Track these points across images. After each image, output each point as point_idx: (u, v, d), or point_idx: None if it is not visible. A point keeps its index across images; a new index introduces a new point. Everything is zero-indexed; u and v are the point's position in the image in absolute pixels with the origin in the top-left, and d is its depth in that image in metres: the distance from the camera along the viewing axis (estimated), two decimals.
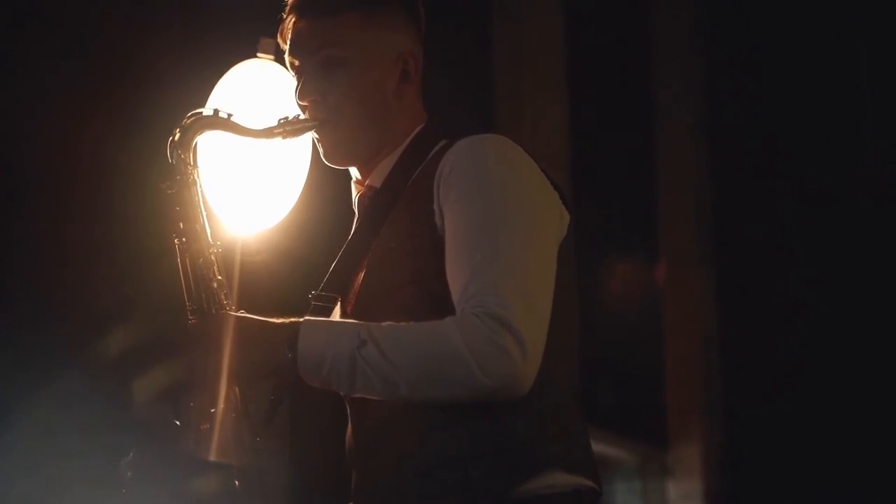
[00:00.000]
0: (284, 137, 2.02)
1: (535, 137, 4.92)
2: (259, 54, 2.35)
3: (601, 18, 5.73)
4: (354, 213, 2.11)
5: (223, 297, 1.96)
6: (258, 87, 2.33)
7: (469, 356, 1.76)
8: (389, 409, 1.88)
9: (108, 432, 2.53)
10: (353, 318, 1.93)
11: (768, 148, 5.88)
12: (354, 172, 2.10)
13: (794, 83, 5.90)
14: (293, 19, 2.05)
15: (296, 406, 2.01)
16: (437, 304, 1.84)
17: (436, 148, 2.00)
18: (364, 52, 2.02)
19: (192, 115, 1.98)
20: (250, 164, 2.29)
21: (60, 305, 3.03)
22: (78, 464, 2.74)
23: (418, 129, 2.06)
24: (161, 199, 1.97)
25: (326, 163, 2.08)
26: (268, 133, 2.02)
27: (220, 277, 1.96)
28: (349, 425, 2.02)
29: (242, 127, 2.01)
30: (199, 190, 1.98)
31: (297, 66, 2.05)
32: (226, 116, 1.99)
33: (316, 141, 2.06)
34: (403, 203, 1.98)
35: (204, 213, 1.98)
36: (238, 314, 1.89)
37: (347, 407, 2.01)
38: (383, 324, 1.83)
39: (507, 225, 1.85)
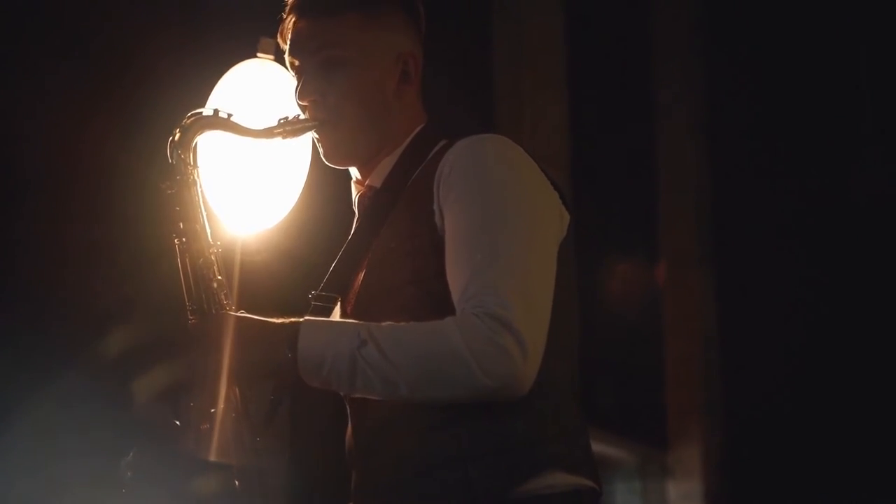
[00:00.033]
0: (284, 137, 2.02)
1: (535, 137, 4.92)
2: (259, 54, 2.35)
3: (601, 18, 5.73)
4: (354, 213, 2.11)
5: (223, 297, 1.96)
6: (258, 87, 2.33)
7: (469, 356, 1.76)
8: (389, 409, 1.88)
9: (108, 432, 2.53)
10: (353, 318, 1.93)
11: (768, 148, 5.88)
12: (354, 172, 2.10)
13: (794, 83, 5.90)
14: (293, 19, 2.06)
15: (296, 406, 2.01)
16: (437, 304, 1.85)
17: (436, 148, 2.00)
18: (364, 52, 2.02)
19: (192, 115, 1.99)
20: (250, 165, 2.29)
21: (60, 305, 3.03)
22: (78, 464, 2.74)
23: (418, 129, 2.06)
24: (161, 199, 1.97)
25: (326, 163, 2.08)
26: (268, 133, 2.02)
27: (220, 277, 1.96)
28: (349, 425, 2.02)
29: (242, 127, 2.01)
30: (199, 190, 1.98)
31: (297, 66, 2.05)
32: (226, 116, 1.99)
33: (316, 141, 2.06)
34: (403, 203, 1.98)
35: (204, 213, 1.98)
36: (238, 314, 1.90)
37: (347, 407, 2.01)
38: (383, 324, 1.83)
39: (507, 225, 1.86)
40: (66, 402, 2.84)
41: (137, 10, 3.23)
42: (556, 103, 5.24)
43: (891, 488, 5.37)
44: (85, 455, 2.72)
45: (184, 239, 1.96)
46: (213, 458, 1.86)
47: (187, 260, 1.95)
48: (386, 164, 2.05)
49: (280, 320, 1.86)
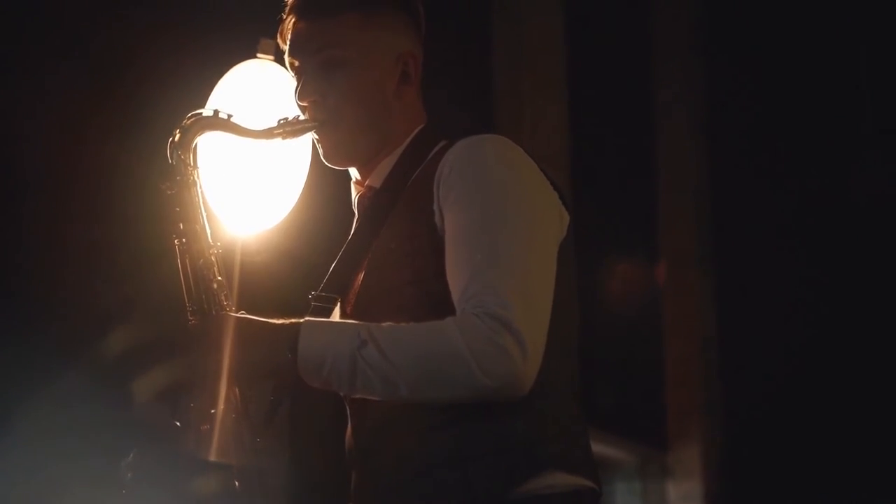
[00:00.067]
0: (284, 138, 2.02)
1: (535, 137, 4.91)
2: (259, 55, 2.35)
3: (601, 18, 5.72)
4: (354, 213, 2.11)
5: (223, 297, 1.95)
6: (258, 88, 2.33)
7: (469, 356, 1.76)
8: (389, 409, 1.88)
9: (108, 433, 2.53)
10: (353, 319, 1.93)
11: (768, 148, 5.88)
12: (354, 173, 2.10)
13: (794, 83, 5.90)
14: (293, 20, 2.06)
15: (296, 407, 2.01)
16: (437, 304, 1.85)
17: (435, 148, 2.00)
18: (364, 52, 2.02)
19: (192, 116, 1.98)
20: (250, 165, 2.30)
21: (60, 305, 3.03)
22: (78, 464, 2.74)
23: (418, 129, 2.06)
24: (161, 199, 1.97)
25: (326, 163, 2.08)
26: (268, 134, 2.02)
27: (220, 278, 1.96)
28: (349, 426, 2.02)
29: (242, 128, 2.00)
30: (199, 191, 1.98)
31: (297, 67, 2.05)
32: (226, 117, 1.99)
33: (316, 142, 2.06)
34: (403, 204, 1.98)
35: (204, 214, 1.98)
36: (238, 315, 1.90)
37: (347, 407, 2.01)
38: (383, 324, 1.83)
39: (507, 225, 1.86)
40: (66, 402, 2.84)
41: (137, 10, 3.23)
42: (556, 103, 5.23)
43: (891, 488, 5.36)
44: (85, 455, 2.72)
45: (184, 240, 1.96)
46: (213, 458, 1.86)
47: (187, 261, 1.95)
48: (386, 165, 2.05)
49: (280, 321, 1.86)
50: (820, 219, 5.78)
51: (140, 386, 1.95)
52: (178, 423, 1.87)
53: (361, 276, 2.00)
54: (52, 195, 3.09)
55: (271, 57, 2.33)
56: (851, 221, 5.74)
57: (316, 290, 2.02)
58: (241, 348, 1.84)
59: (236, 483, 1.84)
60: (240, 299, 2.00)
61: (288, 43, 2.06)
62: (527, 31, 5.15)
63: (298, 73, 2.05)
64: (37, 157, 3.08)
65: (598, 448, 2.67)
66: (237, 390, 1.89)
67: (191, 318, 1.94)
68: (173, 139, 1.96)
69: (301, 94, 2.03)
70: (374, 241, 2.00)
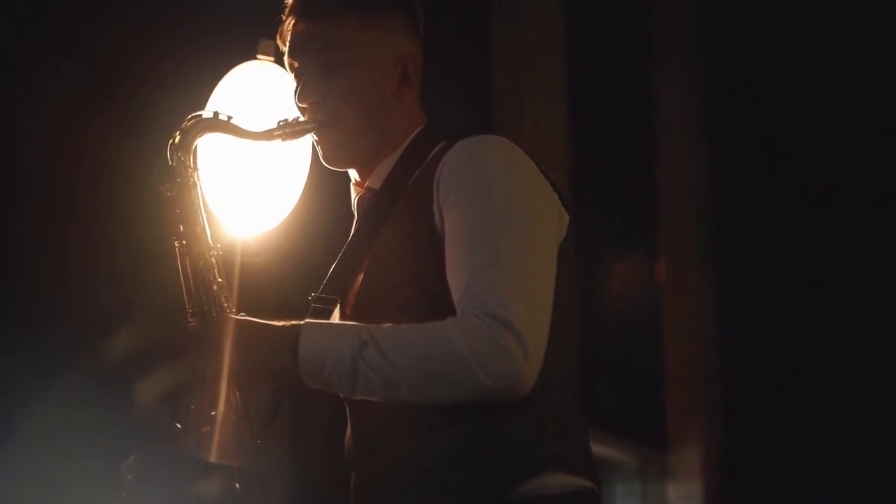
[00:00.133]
0: (284, 139, 2.02)
1: (534, 138, 4.91)
2: (259, 56, 2.36)
3: (601, 18, 5.72)
4: (354, 214, 2.11)
5: (223, 299, 1.96)
6: (258, 89, 2.33)
7: (470, 357, 1.76)
8: (389, 409, 1.88)
9: (109, 434, 2.53)
10: (353, 320, 1.93)
11: (768, 148, 5.87)
12: (353, 174, 2.10)
13: (794, 83, 5.90)
14: (292, 21, 2.06)
15: (296, 408, 2.01)
16: (437, 305, 1.85)
17: (435, 149, 2.01)
18: (364, 54, 2.02)
19: (192, 118, 1.99)
20: (250, 167, 2.30)
21: (60, 305, 3.03)
22: (78, 465, 2.74)
23: (417, 130, 2.07)
24: (161, 201, 1.97)
25: (326, 165, 2.08)
26: (267, 135, 2.02)
27: (220, 280, 1.96)
28: (349, 426, 2.02)
29: (242, 129, 2.01)
30: (199, 192, 1.98)
31: (297, 68, 2.05)
32: (226, 119, 1.99)
33: (315, 143, 2.06)
34: (403, 204, 1.99)
35: (204, 216, 1.98)
36: (238, 317, 1.89)
37: (347, 408, 2.01)
38: (384, 325, 1.83)
39: (507, 225, 1.86)
40: (66, 403, 2.84)
41: (137, 11, 3.23)
42: (556, 103, 5.23)
43: (891, 488, 5.36)
44: (85, 457, 2.72)
45: (184, 241, 1.96)
46: (213, 459, 1.86)
47: (187, 262, 1.95)
48: (385, 166, 2.05)
49: (281, 323, 1.86)
50: (820, 219, 5.78)
51: (140, 388, 1.95)
52: (178, 425, 1.87)
53: (361, 277, 2.00)
54: (52, 195, 3.09)
55: (271, 58, 2.33)
56: (851, 221, 5.73)
57: (316, 292, 2.02)
58: (241, 350, 1.84)
59: (237, 484, 1.85)
60: (240, 301, 2.00)
61: (287, 44, 2.06)
62: (527, 31, 5.14)
63: (298, 74, 2.05)
64: (37, 157, 3.08)
65: (598, 449, 2.67)
66: (237, 392, 1.90)
67: (191, 320, 1.94)
68: (173, 141, 1.96)
69: (301, 95, 2.03)
70: (373, 242, 2.00)
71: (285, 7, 2.08)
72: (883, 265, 5.61)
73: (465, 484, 1.83)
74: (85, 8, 3.15)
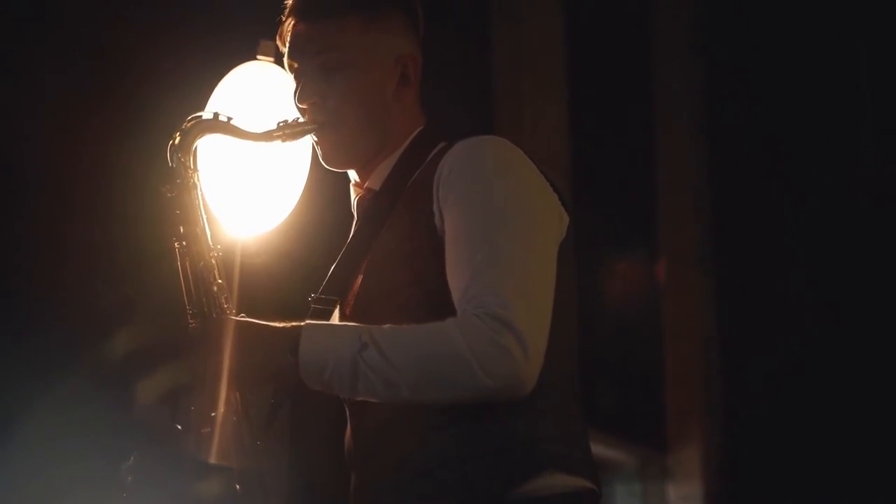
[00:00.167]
0: (284, 140, 2.02)
1: (534, 138, 4.91)
2: (259, 57, 2.35)
3: (601, 18, 5.72)
4: (353, 215, 2.11)
5: (223, 300, 1.96)
6: (258, 90, 2.33)
7: (471, 357, 1.76)
8: (389, 410, 1.88)
9: (109, 435, 2.53)
10: (353, 321, 1.93)
11: (768, 148, 5.87)
12: (353, 175, 2.10)
13: (794, 83, 5.89)
14: (292, 22, 2.06)
15: (296, 409, 2.01)
16: (437, 305, 1.85)
17: (434, 150, 2.01)
18: (364, 55, 2.02)
19: (192, 119, 1.99)
20: (250, 168, 2.30)
21: (60, 306, 3.03)
22: (78, 467, 2.74)
23: (417, 131, 2.07)
24: (161, 202, 1.97)
25: (325, 166, 2.08)
26: (267, 136, 2.02)
27: (220, 281, 1.96)
28: (348, 427, 2.02)
29: (242, 130, 2.01)
30: (199, 193, 1.98)
31: (297, 69, 2.05)
32: (225, 120, 1.99)
33: (315, 144, 2.06)
34: (402, 205, 1.99)
35: (204, 217, 1.98)
36: (239, 318, 1.89)
37: (346, 409, 2.01)
38: (384, 326, 1.83)
39: (507, 226, 1.86)
40: (65, 404, 2.84)
41: (137, 11, 3.22)
42: (556, 103, 5.23)
43: (891, 488, 5.36)
44: (85, 458, 2.72)
45: (184, 242, 1.96)
46: (213, 461, 1.86)
47: (187, 263, 1.95)
48: (385, 167, 2.05)
49: (281, 324, 1.86)
50: (820, 219, 5.78)
51: (140, 388, 1.95)
52: (178, 426, 1.87)
53: (361, 277, 2.00)
54: (52, 195, 3.09)
55: (271, 59, 2.33)
56: (851, 221, 5.73)
57: (315, 293, 2.02)
58: (241, 351, 1.84)
59: (237, 486, 1.85)
60: (240, 302, 2.00)
61: (287, 45, 2.07)
62: (527, 31, 5.14)
63: (298, 75, 2.05)
64: (37, 157, 3.08)
65: (598, 449, 2.67)
66: (238, 393, 1.90)
67: (191, 321, 1.94)
68: (173, 142, 1.96)
69: (300, 96, 2.03)
70: (373, 243, 2.00)
71: (285, 8, 2.08)
72: (883, 265, 5.61)
73: (465, 484, 1.83)
74: (85, 8, 3.15)
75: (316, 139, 2.05)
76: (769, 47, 5.91)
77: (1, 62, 3.06)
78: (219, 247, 1.99)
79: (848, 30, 5.82)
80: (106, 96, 3.13)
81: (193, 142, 1.97)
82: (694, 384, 5.95)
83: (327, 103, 2.01)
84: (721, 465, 5.91)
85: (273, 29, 2.11)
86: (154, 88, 3.07)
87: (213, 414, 1.87)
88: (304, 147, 2.27)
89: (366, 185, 2.07)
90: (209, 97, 2.35)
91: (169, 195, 1.96)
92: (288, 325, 1.85)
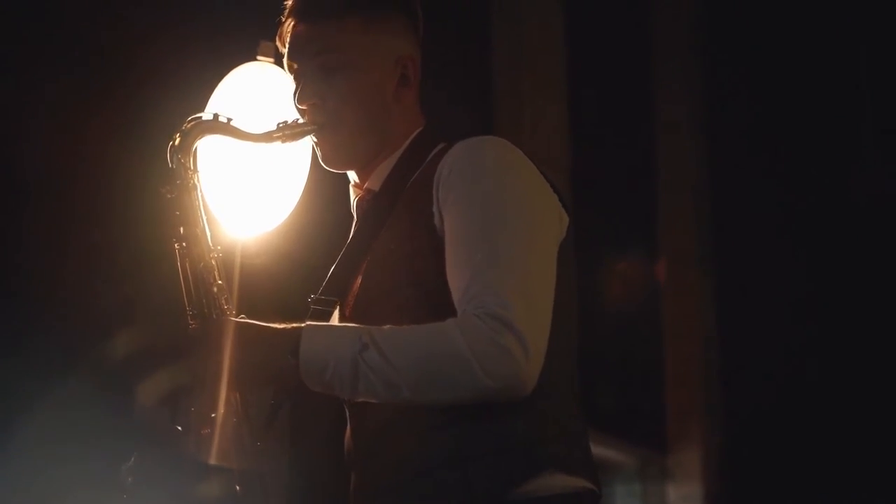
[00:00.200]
0: (284, 141, 2.02)
1: (534, 138, 4.91)
2: (259, 57, 2.36)
3: (601, 18, 5.72)
4: (353, 216, 2.11)
5: (223, 301, 1.96)
6: (258, 91, 2.33)
7: (471, 357, 1.76)
8: (389, 410, 1.88)
9: (109, 436, 2.53)
10: (352, 321, 1.93)
11: (768, 148, 5.87)
12: (353, 176, 2.10)
13: (794, 83, 5.90)
14: (292, 23, 2.06)
15: (296, 409, 2.01)
16: (437, 305, 1.85)
17: (434, 151, 2.01)
18: (363, 55, 2.02)
19: (192, 120, 1.98)
20: (250, 169, 2.30)
21: (61, 306, 3.03)
22: (78, 468, 2.74)
23: (416, 132, 2.07)
24: (161, 203, 1.97)
25: (325, 166, 2.08)
26: (267, 137, 2.02)
27: (220, 282, 1.96)
28: (348, 427, 2.02)
29: (242, 131, 2.00)
30: (199, 194, 1.98)
31: (296, 70, 2.05)
32: (225, 121, 1.99)
33: (315, 145, 2.06)
34: (402, 206, 1.99)
35: (204, 218, 1.98)
36: (239, 319, 1.89)
37: (346, 409, 2.01)
38: (384, 327, 1.82)
39: (507, 226, 1.86)
40: (65, 404, 2.84)
41: (138, 11, 3.23)
42: (556, 103, 5.23)
43: (891, 488, 5.36)
44: (85, 459, 2.72)
45: (184, 243, 1.96)
46: (213, 462, 1.86)
47: (188, 264, 1.95)
48: (384, 168, 2.05)
49: (281, 325, 1.86)
50: (820, 219, 5.78)
51: (141, 389, 1.95)
52: (178, 427, 1.87)
53: (360, 278, 2.00)
54: (53, 196, 3.09)
55: (271, 59, 2.33)
56: (851, 221, 5.73)
57: (315, 293, 2.02)
58: (241, 352, 1.84)
59: (237, 486, 1.85)
60: (240, 303, 2.00)
61: (287, 46, 2.06)
62: (527, 31, 5.14)
63: (297, 75, 2.05)
64: (37, 158, 3.09)
65: (598, 450, 2.67)
66: (238, 394, 1.90)
67: (191, 322, 1.94)
68: (173, 143, 1.96)
69: (300, 97, 2.03)
70: (373, 244, 2.00)
71: (285, 9, 2.08)
72: (883, 265, 5.61)
73: (465, 484, 1.83)
74: (85, 8, 3.15)
75: (316, 140, 2.05)
76: (769, 47, 5.91)
77: (1, 62, 3.06)
78: (219, 248, 1.99)
79: (848, 30, 5.82)
80: (106, 96, 3.13)
81: (193, 143, 1.97)
82: (694, 384, 5.96)
83: (327, 104, 2.01)
84: (721, 465, 5.91)
85: (273, 30, 2.11)
86: (154, 89, 3.07)
87: (213, 415, 1.87)
88: (304, 148, 2.27)
89: (365, 185, 2.07)
90: (209, 98, 2.36)
91: (169, 196, 1.96)
92: (288, 326, 1.85)
